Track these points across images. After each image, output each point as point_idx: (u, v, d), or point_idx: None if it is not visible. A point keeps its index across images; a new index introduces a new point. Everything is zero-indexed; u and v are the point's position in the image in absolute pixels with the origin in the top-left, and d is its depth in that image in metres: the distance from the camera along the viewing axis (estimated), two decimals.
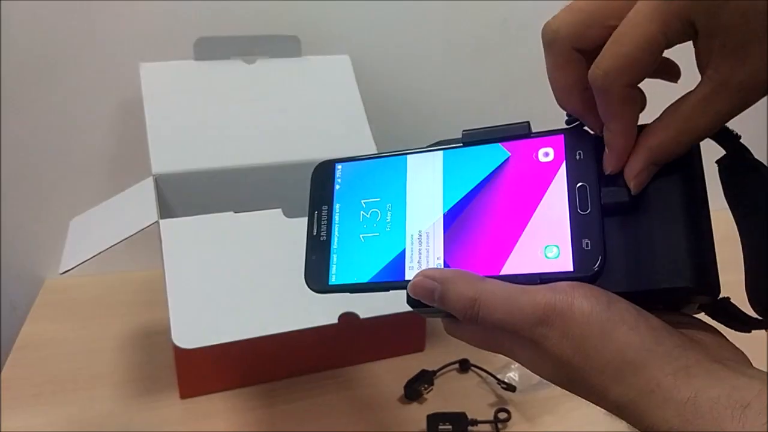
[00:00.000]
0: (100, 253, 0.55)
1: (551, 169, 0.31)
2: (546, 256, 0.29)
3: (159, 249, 0.54)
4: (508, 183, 0.31)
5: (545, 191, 0.30)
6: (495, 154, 0.32)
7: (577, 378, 0.28)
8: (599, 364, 0.27)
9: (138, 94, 0.68)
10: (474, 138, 0.33)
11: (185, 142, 0.66)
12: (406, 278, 0.32)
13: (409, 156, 0.34)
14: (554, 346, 0.27)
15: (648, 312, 0.28)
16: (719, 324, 0.30)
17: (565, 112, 0.32)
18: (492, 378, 0.64)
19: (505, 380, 0.63)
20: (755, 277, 0.29)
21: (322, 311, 0.50)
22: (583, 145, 0.30)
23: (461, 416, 0.59)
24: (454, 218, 0.32)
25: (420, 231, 0.32)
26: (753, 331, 0.30)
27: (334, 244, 0.34)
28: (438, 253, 0.32)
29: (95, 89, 0.76)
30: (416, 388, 0.62)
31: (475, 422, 0.59)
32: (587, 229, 0.29)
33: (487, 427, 0.59)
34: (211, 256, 0.54)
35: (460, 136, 0.33)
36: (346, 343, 0.67)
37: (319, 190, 0.35)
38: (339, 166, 0.36)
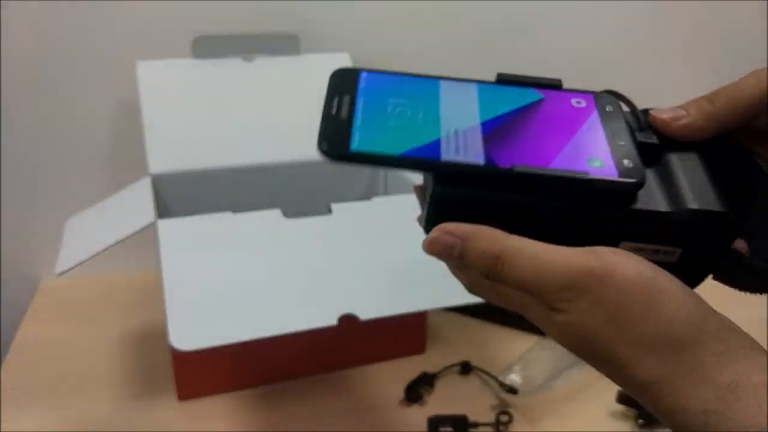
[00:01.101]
0: (97, 253, 0.55)
1: (585, 112, 0.32)
2: (591, 165, 0.29)
3: (156, 250, 0.53)
4: (545, 114, 0.31)
5: (582, 124, 0.31)
6: (529, 94, 0.32)
7: (600, 348, 0.27)
8: (635, 336, 0.26)
9: (135, 92, 0.67)
10: (508, 79, 0.33)
11: (183, 142, 0.66)
12: (443, 158, 0.28)
13: (441, 81, 0.33)
14: (582, 312, 0.26)
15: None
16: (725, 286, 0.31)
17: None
18: (493, 380, 0.63)
19: (507, 382, 0.63)
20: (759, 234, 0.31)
21: (322, 313, 0.50)
22: (611, 103, 0.32)
23: (462, 419, 0.58)
24: (492, 127, 0.30)
25: (456, 129, 0.30)
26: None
27: (357, 121, 0.30)
28: (477, 145, 0.29)
29: (92, 88, 0.76)
30: (417, 390, 0.62)
31: (476, 425, 0.58)
32: (626, 152, 0.30)
33: (489, 429, 0.59)
34: (208, 256, 0.54)
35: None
36: (346, 345, 0.66)
37: (338, 84, 0.33)
38: (364, 74, 0.33)
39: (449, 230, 0.28)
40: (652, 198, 0.29)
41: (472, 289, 0.31)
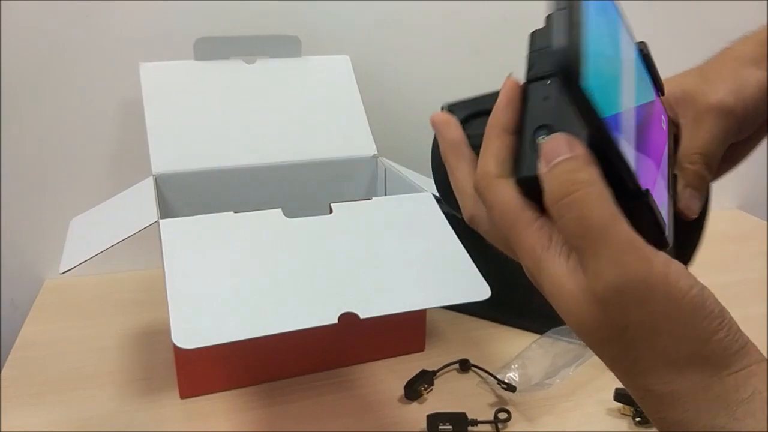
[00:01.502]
0: (100, 252, 0.55)
1: (664, 140, 0.34)
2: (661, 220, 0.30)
3: (159, 249, 0.54)
4: (655, 122, 0.33)
5: (662, 153, 0.33)
6: (650, 89, 0.33)
7: (618, 347, 0.26)
8: (665, 347, 0.25)
9: (138, 94, 0.68)
10: (648, 54, 0.34)
11: (185, 142, 0.67)
12: (619, 142, 0.25)
13: (621, 24, 0.30)
14: (618, 306, 0.25)
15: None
16: None
17: None
18: (492, 378, 0.64)
19: (505, 380, 0.63)
20: None
21: (322, 311, 0.50)
22: (671, 136, 0.36)
23: (461, 416, 0.58)
24: (639, 117, 0.29)
25: (626, 106, 0.27)
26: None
27: (589, 32, 0.24)
28: (632, 137, 0.27)
29: (95, 89, 0.76)
30: (416, 388, 0.62)
31: (475, 422, 0.59)
32: (670, 209, 0.33)
33: (487, 427, 0.59)
34: (211, 256, 0.54)
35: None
36: (346, 343, 0.67)
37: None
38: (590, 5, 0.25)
39: (572, 145, 0.26)
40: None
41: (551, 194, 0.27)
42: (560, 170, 0.26)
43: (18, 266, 0.82)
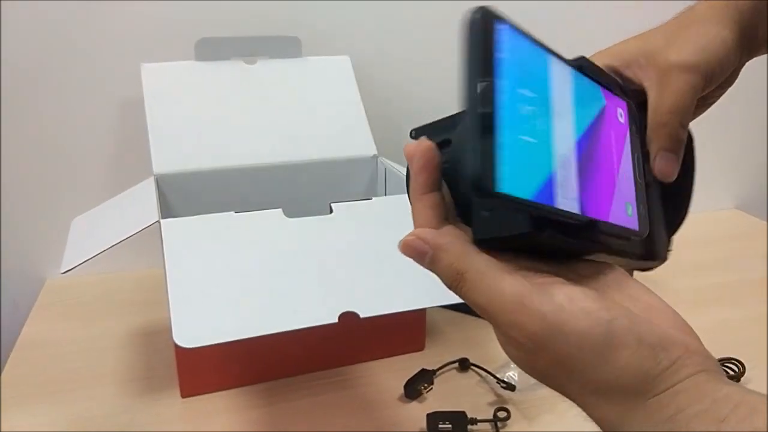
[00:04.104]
0: (101, 252, 0.55)
1: (623, 131, 0.33)
2: (627, 213, 0.31)
3: (160, 249, 0.54)
4: (606, 132, 0.32)
5: (622, 151, 0.32)
6: (598, 96, 0.32)
7: (551, 383, 0.28)
8: (586, 384, 0.26)
9: (139, 94, 0.68)
10: (588, 68, 0.32)
11: (186, 143, 0.67)
12: (557, 206, 0.26)
13: (550, 57, 0.29)
14: (530, 351, 0.27)
15: (646, 322, 0.27)
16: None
17: None
18: (491, 377, 0.64)
19: (505, 379, 0.63)
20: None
21: (323, 310, 0.50)
22: (635, 118, 0.34)
23: (461, 415, 0.59)
24: (580, 151, 0.29)
25: (564, 155, 0.28)
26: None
27: (501, 137, 0.25)
28: (574, 185, 0.28)
29: (97, 90, 0.76)
30: (416, 387, 0.63)
31: (474, 421, 0.59)
32: (641, 195, 0.32)
33: (487, 426, 0.59)
34: (211, 255, 0.55)
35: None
36: (346, 343, 0.67)
37: (478, 51, 0.26)
38: (501, 28, 0.27)
39: (423, 238, 0.29)
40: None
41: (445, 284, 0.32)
42: (440, 267, 0.29)
43: (19, 266, 0.82)
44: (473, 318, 0.76)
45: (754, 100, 1.03)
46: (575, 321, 0.26)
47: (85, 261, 0.55)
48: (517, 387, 0.63)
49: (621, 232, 0.30)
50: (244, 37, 0.73)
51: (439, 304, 0.68)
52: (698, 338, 0.28)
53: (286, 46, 0.74)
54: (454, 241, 0.29)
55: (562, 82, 0.29)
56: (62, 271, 0.55)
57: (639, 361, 0.26)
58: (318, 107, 0.73)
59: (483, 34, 0.26)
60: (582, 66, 0.32)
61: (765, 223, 1.05)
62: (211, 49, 0.71)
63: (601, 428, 0.27)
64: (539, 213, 0.26)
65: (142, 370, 0.67)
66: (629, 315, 0.27)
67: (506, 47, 0.27)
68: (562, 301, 0.27)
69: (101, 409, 0.61)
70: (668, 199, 0.36)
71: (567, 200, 0.27)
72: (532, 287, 0.27)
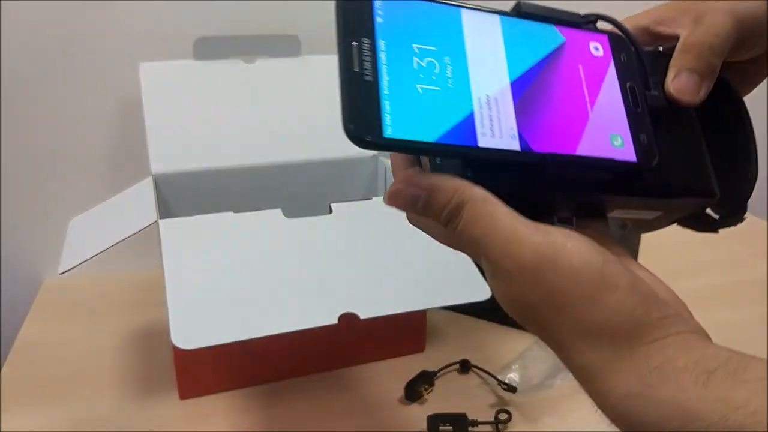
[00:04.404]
0: (99, 253, 0.55)
1: (603, 63, 0.32)
2: (613, 144, 0.30)
3: (158, 249, 0.54)
4: (568, 66, 0.31)
5: (601, 83, 0.31)
6: (551, 35, 0.32)
7: (536, 323, 0.27)
8: (572, 320, 0.26)
9: (137, 93, 0.67)
10: (530, 11, 0.31)
11: (185, 142, 0.66)
12: (480, 144, 0.27)
13: (462, 10, 0.30)
14: (521, 285, 0.26)
15: (639, 276, 0.27)
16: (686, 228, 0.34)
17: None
18: (492, 379, 0.64)
19: (506, 381, 0.63)
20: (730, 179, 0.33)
21: (322, 312, 0.50)
22: (624, 48, 0.32)
23: (461, 417, 0.58)
24: (521, 90, 0.29)
25: (487, 95, 0.28)
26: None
27: (384, 88, 0.26)
28: (510, 123, 0.28)
29: (95, 89, 0.76)
30: (416, 388, 0.62)
31: (475, 423, 0.58)
32: (642, 125, 0.30)
33: (488, 427, 0.59)
34: (210, 256, 0.54)
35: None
36: (346, 344, 0.67)
37: (350, 20, 0.28)
38: (378, 2, 0.28)
39: (414, 182, 0.28)
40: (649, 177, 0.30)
41: (428, 231, 0.31)
42: (437, 206, 0.27)
43: (17, 266, 0.82)
44: (474, 319, 0.76)
45: (755, 100, 1.03)
46: (569, 256, 0.26)
47: (83, 261, 0.55)
48: (519, 389, 0.62)
49: (603, 164, 0.29)
50: (243, 36, 0.73)
51: (439, 305, 0.68)
52: (692, 315, 0.28)
53: (285, 45, 0.74)
54: (446, 177, 0.28)
55: (481, 30, 0.30)
56: (60, 272, 0.55)
57: (631, 307, 0.26)
58: (318, 107, 0.73)
59: (355, 5, 0.28)
60: (522, 12, 0.31)
61: (765, 223, 1.05)
62: (209, 48, 0.71)
63: (579, 378, 0.27)
64: (462, 154, 0.27)
65: (140, 371, 0.67)
66: (624, 263, 0.27)
67: (386, 12, 0.28)
68: (556, 238, 0.26)
69: (99, 411, 0.61)
70: (725, 153, 0.33)
71: (498, 139, 0.27)
72: (526, 220, 0.27)
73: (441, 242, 0.30)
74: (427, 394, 0.63)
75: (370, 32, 0.27)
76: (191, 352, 0.47)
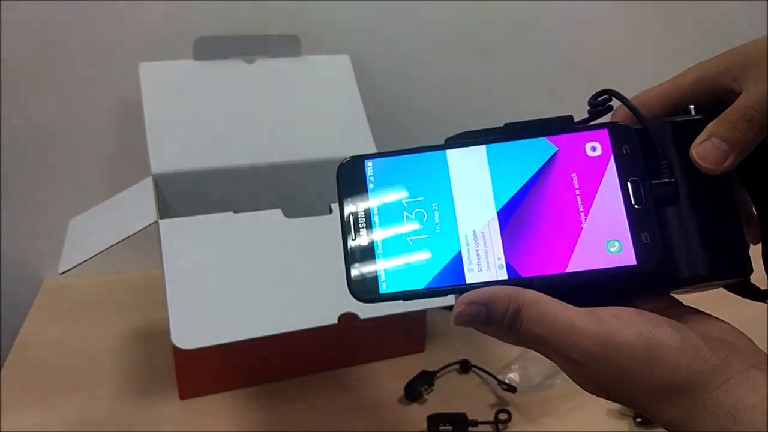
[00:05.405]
0: (99, 253, 0.55)
1: (600, 163, 0.31)
2: (609, 251, 0.30)
3: (158, 249, 0.54)
4: (560, 178, 0.31)
5: (598, 186, 0.31)
6: (542, 148, 0.32)
7: (616, 397, 0.30)
8: (643, 389, 0.28)
9: (137, 93, 0.67)
10: (517, 130, 0.32)
11: (184, 142, 0.66)
12: (468, 282, 0.30)
13: (448, 151, 0.32)
14: (592, 371, 0.29)
15: (688, 329, 0.29)
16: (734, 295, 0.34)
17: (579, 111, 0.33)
18: (492, 379, 0.64)
19: (506, 381, 0.63)
20: None
21: (322, 311, 0.50)
22: (627, 139, 0.31)
23: (461, 417, 0.58)
24: (509, 216, 0.31)
25: (474, 231, 0.31)
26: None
27: (379, 249, 0.31)
28: (498, 254, 0.30)
29: (94, 89, 0.76)
30: (416, 388, 0.62)
31: (475, 423, 0.58)
32: (644, 222, 0.30)
33: (488, 427, 0.59)
34: (210, 256, 0.54)
35: (486, 129, 0.33)
36: (347, 344, 0.67)
37: (349, 190, 0.32)
38: (369, 163, 0.32)
39: (471, 300, 0.30)
40: (669, 265, 0.30)
41: (497, 337, 0.32)
42: (497, 316, 0.30)
43: (17, 266, 0.82)
44: None
45: None
46: (621, 333, 0.28)
47: (83, 261, 0.55)
48: (519, 389, 0.62)
49: (597, 275, 0.30)
50: (243, 35, 0.73)
51: (439, 305, 0.68)
52: (748, 338, 0.30)
53: (285, 45, 0.74)
54: (499, 287, 0.30)
55: (466, 167, 0.32)
56: (60, 272, 0.55)
57: (687, 361, 0.27)
58: (318, 107, 0.73)
59: (351, 172, 0.32)
60: (508, 132, 0.32)
61: None
62: (209, 48, 0.71)
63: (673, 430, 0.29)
64: (452, 292, 0.30)
65: (141, 371, 0.66)
66: (671, 323, 0.29)
67: (377, 174, 0.32)
68: (609, 322, 0.28)
69: (99, 410, 0.61)
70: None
71: (485, 272, 0.30)
72: (578, 310, 0.29)
73: (511, 344, 0.32)
74: (427, 394, 0.63)
75: (364, 199, 0.32)
76: (191, 352, 0.47)
